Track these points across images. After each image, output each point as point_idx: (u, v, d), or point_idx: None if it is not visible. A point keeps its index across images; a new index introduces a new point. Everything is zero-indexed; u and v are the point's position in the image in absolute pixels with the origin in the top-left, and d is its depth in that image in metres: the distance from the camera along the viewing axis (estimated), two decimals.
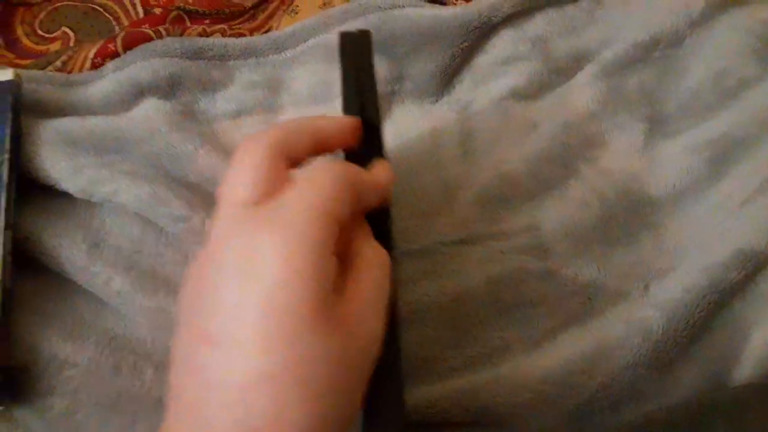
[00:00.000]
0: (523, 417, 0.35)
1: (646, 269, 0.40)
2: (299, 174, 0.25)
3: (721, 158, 0.42)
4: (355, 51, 0.35)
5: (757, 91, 0.44)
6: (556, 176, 0.42)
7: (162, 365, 0.38)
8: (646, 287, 0.39)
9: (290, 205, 0.23)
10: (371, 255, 0.24)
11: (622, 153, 0.43)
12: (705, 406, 0.33)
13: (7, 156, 0.40)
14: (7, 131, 0.40)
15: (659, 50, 0.46)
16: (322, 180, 0.24)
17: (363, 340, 0.22)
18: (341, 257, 0.24)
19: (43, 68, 0.49)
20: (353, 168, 0.27)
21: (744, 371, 0.36)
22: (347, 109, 0.33)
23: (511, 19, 0.49)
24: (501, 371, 0.37)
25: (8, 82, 0.42)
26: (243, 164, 0.25)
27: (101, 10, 0.54)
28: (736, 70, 0.44)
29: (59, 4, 0.54)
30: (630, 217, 0.41)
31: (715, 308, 0.37)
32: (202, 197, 0.41)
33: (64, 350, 0.37)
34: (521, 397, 0.35)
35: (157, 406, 0.36)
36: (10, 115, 0.41)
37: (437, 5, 0.50)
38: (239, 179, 0.25)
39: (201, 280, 0.23)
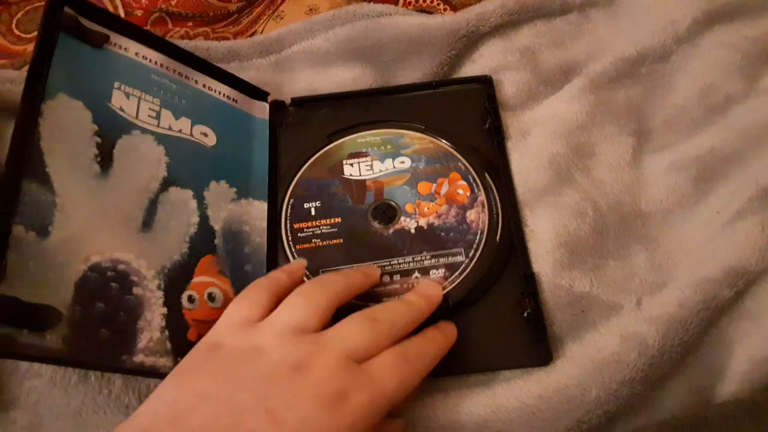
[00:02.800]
0: None
1: (638, 283, 0.39)
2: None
3: (708, 175, 0.42)
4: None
5: (743, 108, 0.44)
6: (548, 183, 0.42)
7: (131, 376, 0.36)
8: (639, 301, 0.38)
9: (384, 379, 0.30)
10: None
11: (613, 165, 0.43)
12: (694, 423, 0.32)
13: None
14: None
15: (646, 65, 0.46)
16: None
17: None
18: None
19: (19, 68, 0.48)
20: None
21: (729, 387, 0.35)
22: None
23: (498, 29, 0.49)
24: (497, 385, 0.36)
25: None
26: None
27: None
28: (723, 87, 0.44)
29: (38, 3, 0.53)
30: (622, 229, 0.41)
31: (707, 324, 0.36)
32: None
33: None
34: (517, 413, 0.34)
35: (122, 414, 0.35)
36: None
37: (425, 14, 0.50)
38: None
39: (281, 386, 0.28)
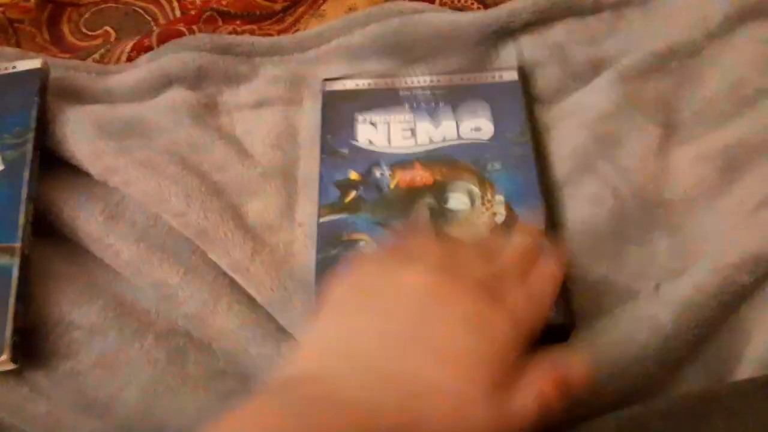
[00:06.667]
0: None
1: (657, 269, 0.39)
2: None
3: (734, 165, 0.41)
4: None
5: None
6: (568, 173, 0.43)
7: (162, 335, 0.39)
8: (657, 287, 0.38)
9: (518, 312, 0.30)
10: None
11: (638, 154, 0.43)
12: (705, 399, 0.32)
13: (32, 135, 0.42)
14: (33, 114, 0.43)
15: (677, 60, 0.46)
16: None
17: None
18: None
19: (83, 59, 0.52)
20: None
21: (745, 372, 0.35)
22: None
23: (530, 26, 0.50)
24: None
25: (37, 69, 0.45)
26: None
27: (142, 12, 0.57)
28: (753, 80, 0.44)
29: (104, 5, 0.58)
30: (644, 216, 0.41)
31: (725, 309, 0.36)
32: (206, 186, 0.43)
33: (71, 313, 0.38)
34: None
35: (151, 367, 0.37)
36: (36, 99, 0.44)
37: (457, 11, 0.51)
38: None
39: (431, 314, 0.29)
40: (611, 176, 0.42)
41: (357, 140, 0.45)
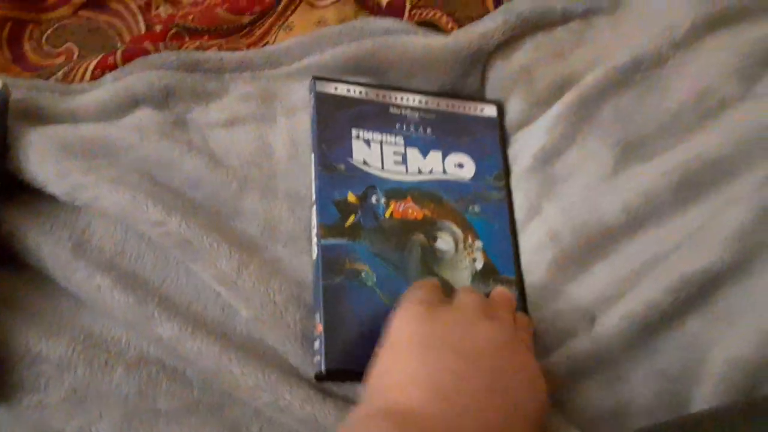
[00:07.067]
0: None
1: (595, 300, 0.40)
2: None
3: (692, 181, 0.42)
4: None
5: (737, 111, 0.44)
6: (522, 221, 0.44)
7: (133, 364, 0.38)
8: (592, 319, 0.39)
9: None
10: None
11: (587, 184, 0.44)
12: (685, 427, 0.32)
13: None
14: None
15: (641, 72, 0.46)
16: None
17: None
18: None
19: (45, 79, 0.50)
20: None
21: (705, 389, 0.36)
22: None
23: (502, 47, 0.49)
24: None
25: None
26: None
27: (106, 27, 0.56)
28: (718, 90, 0.44)
29: (67, 21, 0.56)
30: (584, 251, 0.41)
31: (654, 332, 0.37)
32: (182, 202, 0.42)
33: (37, 345, 0.37)
34: None
35: (122, 403, 0.36)
36: None
37: (431, 33, 0.51)
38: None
39: (505, 368, 0.33)
40: (553, 218, 0.43)
41: (353, 158, 0.44)
